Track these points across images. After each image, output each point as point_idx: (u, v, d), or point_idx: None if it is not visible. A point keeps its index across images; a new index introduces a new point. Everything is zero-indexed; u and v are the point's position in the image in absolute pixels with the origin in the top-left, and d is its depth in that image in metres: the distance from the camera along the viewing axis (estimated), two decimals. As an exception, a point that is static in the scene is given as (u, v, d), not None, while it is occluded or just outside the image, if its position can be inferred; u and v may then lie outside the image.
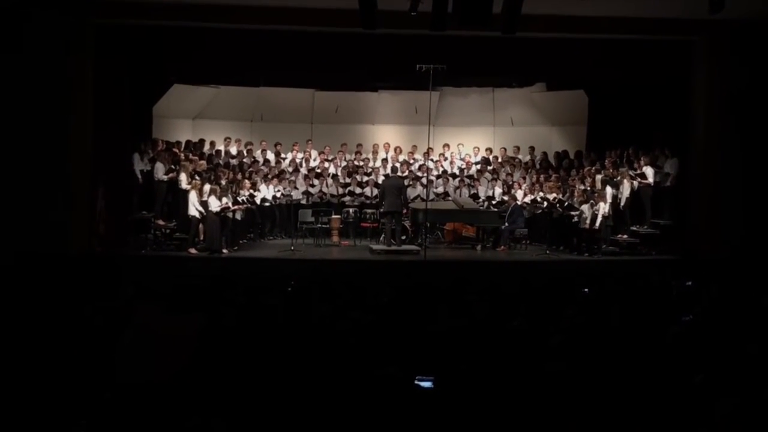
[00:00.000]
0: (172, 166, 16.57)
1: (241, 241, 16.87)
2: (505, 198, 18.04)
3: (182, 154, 17.50)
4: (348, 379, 5.28)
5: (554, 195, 17.25)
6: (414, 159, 19.66)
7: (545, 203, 17.25)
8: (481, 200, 18.42)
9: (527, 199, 17.83)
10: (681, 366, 5.87)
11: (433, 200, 17.84)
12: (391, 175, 17.79)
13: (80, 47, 15.07)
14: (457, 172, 19.53)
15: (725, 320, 7.59)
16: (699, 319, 7.74)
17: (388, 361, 5.56)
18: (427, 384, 5.30)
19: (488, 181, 18.81)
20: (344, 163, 19.63)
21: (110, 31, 15.53)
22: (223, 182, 16.18)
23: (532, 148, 20.08)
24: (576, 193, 16.71)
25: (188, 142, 18.79)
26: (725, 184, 15.75)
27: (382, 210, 17.08)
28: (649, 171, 16.47)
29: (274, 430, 4.70)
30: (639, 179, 16.54)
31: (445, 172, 19.44)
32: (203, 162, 17.26)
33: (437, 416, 4.74)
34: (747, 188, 15.66)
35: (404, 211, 17.11)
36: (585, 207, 16.22)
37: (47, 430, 4.63)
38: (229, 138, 19.62)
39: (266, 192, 17.64)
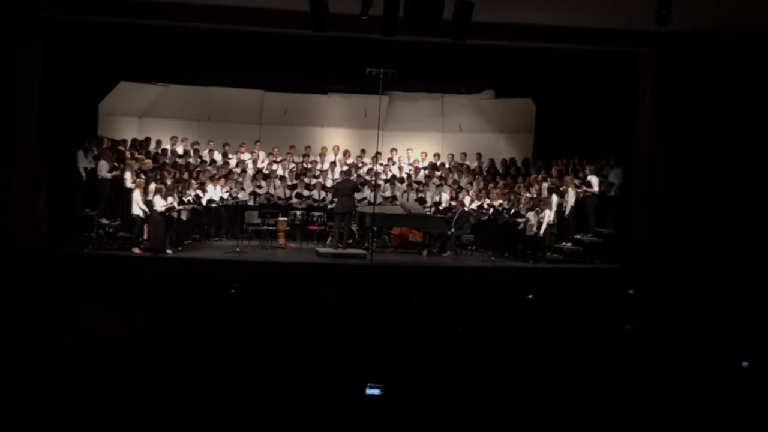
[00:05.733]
0: (116, 164, 16.34)
1: (185, 242, 16.68)
2: (452, 204, 18.12)
3: (128, 153, 17.27)
4: (291, 383, 5.25)
5: (500, 202, 17.39)
6: (362, 163, 19.63)
7: (491, 210, 17.38)
8: (428, 205, 18.49)
9: (474, 206, 17.93)
10: (623, 373, 5.95)
11: (380, 204, 17.85)
12: (344, 177, 17.76)
13: (28, 42, 14.83)
14: (405, 176, 19.56)
15: (665, 329, 7.71)
16: (640, 327, 7.85)
17: (332, 366, 5.55)
18: (375, 391, 5.29)
19: (436, 187, 18.87)
20: (292, 166, 19.51)
21: (58, 27, 15.30)
22: (169, 182, 16.00)
23: (479, 155, 20.19)
24: (522, 201, 16.85)
25: (134, 140, 18.48)
26: (668, 195, 16.02)
27: (335, 211, 17.05)
28: (593, 180, 16.64)
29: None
30: (584, 188, 16.71)
31: (393, 176, 19.47)
32: (149, 161, 17.03)
33: (382, 421, 4.74)
34: (689, 199, 15.93)
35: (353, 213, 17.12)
36: (531, 214, 16.37)
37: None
38: (176, 137, 19.34)
39: (213, 193, 17.48)
